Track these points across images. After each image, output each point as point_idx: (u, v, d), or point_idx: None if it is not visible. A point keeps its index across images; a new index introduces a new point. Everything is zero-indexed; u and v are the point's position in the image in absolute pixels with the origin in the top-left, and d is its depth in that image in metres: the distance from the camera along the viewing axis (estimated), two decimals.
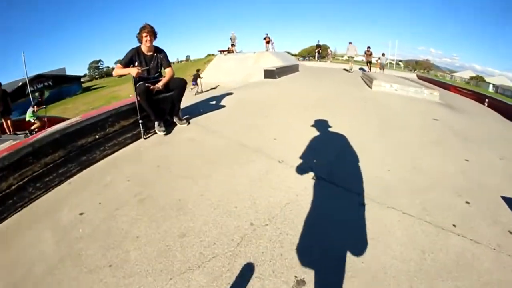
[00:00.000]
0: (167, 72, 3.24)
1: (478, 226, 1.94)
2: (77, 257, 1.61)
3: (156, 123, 3.24)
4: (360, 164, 2.69)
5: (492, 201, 2.32)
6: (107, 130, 2.75)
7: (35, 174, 2.13)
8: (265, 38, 19.25)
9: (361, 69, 16.88)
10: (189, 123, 3.60)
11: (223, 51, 20.82)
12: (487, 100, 10.13)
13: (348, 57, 15.72)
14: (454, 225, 1.93)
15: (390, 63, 28.43)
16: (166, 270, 1.49)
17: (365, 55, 15.42)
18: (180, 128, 3.49)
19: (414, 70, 41.89)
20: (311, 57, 36.23)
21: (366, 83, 9.55)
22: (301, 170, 2.50)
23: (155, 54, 3.18)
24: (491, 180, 2.75)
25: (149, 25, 3.04)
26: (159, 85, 3.12)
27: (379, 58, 18.88)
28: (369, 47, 15.11)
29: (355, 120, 4.38)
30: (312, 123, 3.71)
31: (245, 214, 1.92)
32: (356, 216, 1.94)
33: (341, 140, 3.27)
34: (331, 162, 2.71)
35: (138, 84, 3.00)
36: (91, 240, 1.75)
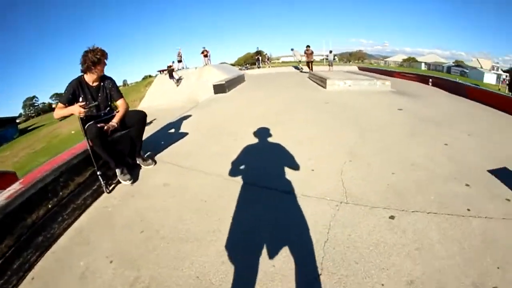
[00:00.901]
0: (119, 105, 2.96)
1: (488, 207, 2.37)
2: None
3: (118, 171, 2.90)
4: (369, 169, 3.06)
5: (483, 178, 2.89)
6: (61, 193, 2.37)
7: None
8: (202, 52, 20.33)
9: (296, 67, 20.15)
10: (155, 162, 3.38)
11: (163, 70, 21.26)
12: (430, 80, 12.09)
13: (299, 61, 19.85)
14: (469, 211, 2.33)
15: (326, 59, 31.82)
16: None
17: (305, 55, 16.50)
18: (147, 170, 3.24)
19: (349, 62, 47.29)
20: (247, 65, 38.65)
21: (318, 83, 10.52)
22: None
23: (102, 84, 2.87)
24: (472, 158, 3.42)
25: (100, 49, 2.75)
26: (114, 122, 2.81)
27: (327, 56, 22.16)
28: (308, 46, 16.19)
29: (330, 125, 4.85)
30: (289, 137, 4.05)
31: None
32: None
33: (334, 149, 3.66)
34: (340, 170, 2.99)
35: (87, 126, 2.67)
36: None
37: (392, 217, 2.26)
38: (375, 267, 1.75)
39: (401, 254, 1.86)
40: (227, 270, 1.77)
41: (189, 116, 5.93)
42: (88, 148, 2.65)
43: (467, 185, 2.79)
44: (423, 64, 67.12)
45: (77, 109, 2.56)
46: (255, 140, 4.09)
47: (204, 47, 20.59)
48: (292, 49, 18.81)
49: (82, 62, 2.70)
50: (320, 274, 1.70)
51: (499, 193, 2.62)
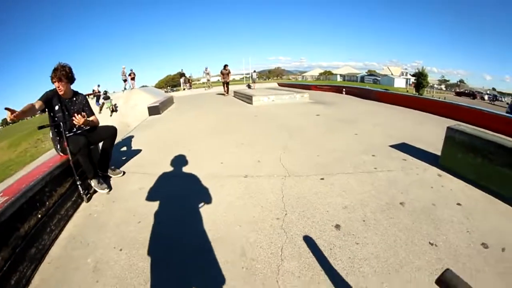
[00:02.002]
0: (92, 121, 3.45)
1: (390, 165, 3.93)
2: None
3: (95, 181, 3.40)
4: (300, 155, 4.50)
5: (385, 150, 4.53)
6: (47, 204, 2.70)
7: None
8: (130, 75, 20.70)
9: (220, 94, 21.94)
10: (124, 172, 3.99)
11: (89, 94, 21.03)
12: (344, 89, 15.02)
13: (207, 80, 21.93)
14: (376, 168, 3.81)
15: (245, 77, 36.16)
16: None
17: (221, 75, 15.83)
18: (118, 180, 3.82)
19: (269, 79, 52.29)
20: (168, 87, 39.97)
21: (244, 101, 12.27)
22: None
23: (74, 98, 3.37)
24: (377, 140, 5.09)
25: (61, 67, 3.17)
26: (89, 118, 3.31)
27: (251, 75, 26.61)
28: (226, 66, 15.46)
29: (264, 131, 6.31)
30: (233, 141, 5.43)
31: None
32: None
33: (271, 146, 5.08)
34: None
35: (72, 137, 3.16)
36: None
37: (322, 179, 3.59)
38: (320, 204, 2.96)
39: (334, 195, 3.13)
40: (222, 230, 2.67)
41: (134, 136, 6.49)
42: (70, 158, 3.10)
43: (373, 155, 4.35)
44: (338, 76, 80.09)
45: (82, 120, 3.11)
46: (206, 147, 5.17)
47: (131, 69, 21.04)
48: (206, 68, 21.08)
49: (52, 76, 3.19)
50: (286, 213, 2.81)
51: (397, 156, 4.29)
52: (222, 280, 2.00)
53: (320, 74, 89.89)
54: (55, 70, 3.15)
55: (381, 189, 3.27)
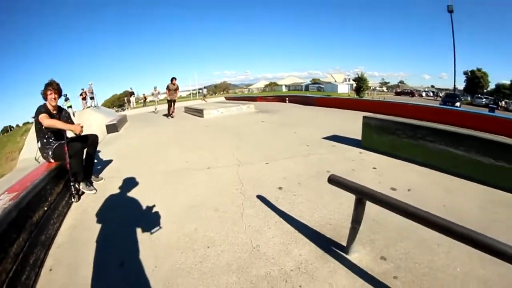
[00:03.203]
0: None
1: (321, 150, 5.30)
2: None
3: (83, 184, 4.10)
4: (249, 152, 5.78)
5: (318, 142, 5.97)
6: (50, 199, 3.33)
7: (9, 275, 2.06)
8: (81, 94, 20.47)
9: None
10: (103, 178, 4.71)
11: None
12: (287, 98, 16.76)
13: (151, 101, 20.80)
14: (309, 153, 5.06)
15: (192, 93, 37.91)
16: None
17: (167, 92, 13.88)
18: (101, 183, 4.55)
19: (215, 94, 53.93)
20: (115, 107, 39.88)
21: (195, 115, 13.48)
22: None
23: (59, 112, 4.02)
24: (312, 136, 6.55)
25: (55, 82, 3.82)
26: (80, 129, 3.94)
27: (203, 90, 30.90)
28: (174, 79, 13.64)
29: (217, 137, 7.53)
30: (194, 146, 6.78)
31: None
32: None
33: (225, 147, 6.36)
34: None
35: (70, 143, 3.84)
36: None
37: (267, 163, 4.84)
38: (266, 178, 4.18)
39: (276, 172, 4.40)
40: (193, 209, 3.68)
41: (100, 151, 6.97)
42: (68, 161, 3.77)
43: (307, 146, 5.68)
44: (283, 87, 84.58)
45: (78, 129, 3.83)
46: (170, 153, 6.16)
47: (82, 89, 20.76)
48: (155, 88, 20.07)
49: (42, 92, 3.79)
50: (242, 185, 3.96)
51: (327, 144, 5.72)
52: (204, 224, 3.04)
53: (266, 85, 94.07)
54: (51, 84, 3.80)
55: (313, 165, 4.58)
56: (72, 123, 4.19)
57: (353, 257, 2.40)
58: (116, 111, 25.77)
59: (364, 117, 5.68)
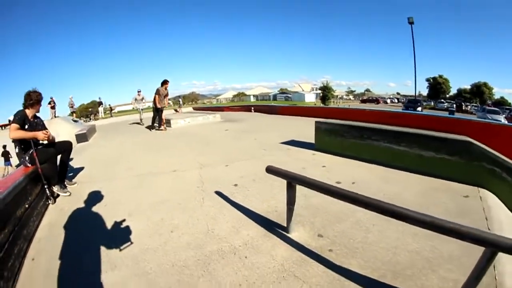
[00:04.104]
0: (54, 137, 4.35)
1: (277, 153, 5.94)
2: None
3: (58, 186, 4.36)
4: (212, 156, 6.21)
5: (275, 146, 6.64)
6: (30, 198, 3.58)
7: None
8: (49, 103, 19.55)
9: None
10: (77, 183, 4.96)
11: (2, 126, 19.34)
12: (252, 108, 17.43)
13: (135, 109, 16.74)
14: (266, 156, 5.58)
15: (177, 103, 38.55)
16: None
17: (157, 98, 11.48)
18: (74, 187, 4.81)
19: (183, 104, 54.30)
20: (82, 117, 39.10)
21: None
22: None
23: (35, 120, 4.23)
24: (271, 141, 7.21)
25: (32, 93, 4.09)
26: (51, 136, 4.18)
27: (179, 100, 31.34)
28: (166, 82, 11.66)
29: (184, 144, 8.00)
30: (163, 151, 7.24)
31: None
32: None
33: (190, 153, 6.87)
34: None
35: (43, 149, 4.09)
36: None
37: (227, 165, 5.37)
38: (224, 177, 4.71)
39: (233, 172, 4.98)
40: (168, 198, 4.12)
41: (73, 158, 7.03)
42: (39, 167, 3.98)
43: (264, 149, 6.24)
44: (252, 97, 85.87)
45: (42, 135, 3.98)
46: (140, 160, 6.50)
47: (51, 97, 19.88)
48: (139, 92, 14.99)
49: (28, 99, 4.02)
50: (203, 184, 4.47)
51: (284, 148, 6.38)
52: (168, 214, 3.50)
53: (234, 96, 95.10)
54: (31, 94, 4.08)
55: (267, 165, 5.04)
56: (45, 130, 4.34)
57: (293, 235, 2.92)
58: (84, 120, 25.22)
59: (316, 122, 6.33)
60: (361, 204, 2.16)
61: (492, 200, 3.75)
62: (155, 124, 11.91)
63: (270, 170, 3.01)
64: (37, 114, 4.38)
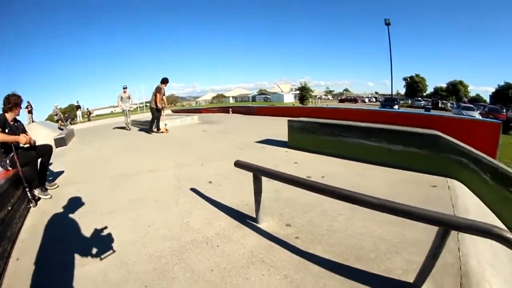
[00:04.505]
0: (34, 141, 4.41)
1: (252, 152, 6.12)
2: None
3: (39, 190, 4.40)
4: (189, 156, 6.42)
5: (251, 145, 6.96)
6: (12, 200, 3.64)
7: None
8: (27, 107, 19.09)
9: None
10: (57, 185, 5.05)
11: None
12: (230, 109, 17.69)
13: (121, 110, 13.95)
14: (241, 155, 5.82)
15: (140, 106, 37.53)
16: None
17: (157, 96, 10.84)
18: (54, 190, 4.87)
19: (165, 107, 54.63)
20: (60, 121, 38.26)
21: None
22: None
23: (15, 123, 4.27)
24: (247, 140, 7.53)
25: (12, 96, 4.13)
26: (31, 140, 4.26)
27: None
28: (166, 80, 11.02)
29: (163, 146, 8.18)
30: (142, 152, 7.53)
31: None
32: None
33: (169, 155, 7.12)
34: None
35: (24, 152, 4.14)
36: None
37: (202, 165, 5.62)
38: (201, 176, 4.94)
39: (208, 171, 5.24)
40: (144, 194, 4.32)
41: (52, 163, 6.83)
42: (20, 170, 4.02)
43: (240, 149, 6.46)
44: (231, 98, 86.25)
45: (24, 139, 4.05)
46: (119, 161, 6.65)
47: (28, 101, 19.28)
48: (124, 88, 12.81)
49: (6, 103, 4.06)
50: (179, 181, 4.71)
51: (258, 146, 6.75)
52: (145, 211, 3.71)
53: (213, 98, 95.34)
54: (10, 97, 4.12)
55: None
56: (25, 133, 4.40)
57: (262, 225, 3.19)
58: (62, 124, 24.66)
59: (289, 120, 6.64)
60: (316, 190, 2.43)
61: (460, 189, 4.04)
62: (153, 128, 11.23)
63: (238, 164, 3.30)
64: (17, 118, 4.41)
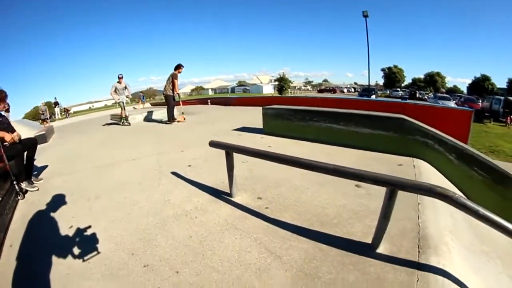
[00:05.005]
0: (15, 135, 4.44)
1: (228, 138, 6.28)
2: None
3: (26, 182, 4.54)
4: (168, 147, 6.65)
5: (228, 132, 7.43)
6: (1, 192, 3.78)
7: None
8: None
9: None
10: (42, 179, 5.18)
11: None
12: (209, 100, 17.93)
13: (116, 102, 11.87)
14: (218, 136, 6.14)
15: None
16: None
17: (174, 82, 10.56)
18: (41, 183, 5.00)
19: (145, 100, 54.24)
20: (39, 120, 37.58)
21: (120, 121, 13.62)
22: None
23: (0, 118, 4.38)
24: (224, 128, 7.91)
25: (3, 90, 4.33)
26: (16, 136, 4.36)
27: (141, 96, 34.82)
28: (181, 66, 10.71)
29: (144, 137, 8.42)
30: (124, 145, 7.82)
31: None
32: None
33: (150, 147, 7.41)
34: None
35: (11, 146, 4.22)
36: None
37: (182, 151, 5.92)
38: (181, 161, 5.26)
39: (188, 156, 5.53)
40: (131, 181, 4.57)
41: (35, 159, 7.24)
42: (6, 163, 4.13)
43: (217, 136, 6.69)
44: (210, 90, 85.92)
45: (9, 137, 4.16)
46: (102, 153, 6.73)
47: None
48: (120, 77, 11.30)
49: None
50: (161, 167, 5.00)
51: (235, 134, 7.12)
52: (130, 192, 3.96)
53: (192, 90, 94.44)
54: (1, 92, 4.29)
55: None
56: (13, 129, 4.55)
57: (236, 199, 3.54)
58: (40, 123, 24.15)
59: (263, 108, 6.97)
60: (277, 160, 2.84)
61: (425, 167, 4.43)
62: (173, 117, 10.88)
63: (212, 144, 3.65)
64: (2, 113, 4.54)
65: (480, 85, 54.55)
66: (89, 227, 3.22)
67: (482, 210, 1.80)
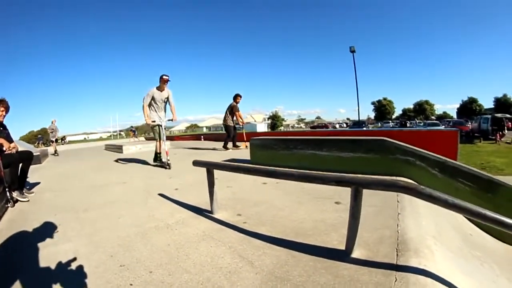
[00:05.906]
0: (13, 146, 4.62)
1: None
2: None
3: (17, 192, 4.66)
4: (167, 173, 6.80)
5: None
6: None
7: None
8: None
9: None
10: (34, 192, 5.34)
11: None
12: (202, 136, 18.42)
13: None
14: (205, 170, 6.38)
15: (113, 134, 38.19)
16: None
17: (234, 114, 11.06)
18: (32, 196, 5.16)
19: (138, 134, 54.30)
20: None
21: (115, 151, 14.22)
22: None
23: (1, 128, 4.58)
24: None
25: (6, 100, 4.48)
26: (14, 149, 4.54)
27: (134, 131, 38.71)
28: (239, 96, 11.09)
29: (133, 167, 8.76)
30: (113, 172, 8.32)
31: None
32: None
33: (140, 174, 7.47)
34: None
35: (6, 154, 4.37)
36: None
37: (170, 178, 6.13)
38: (169, 186, 5.55)
39: (176, 182, 5.83)
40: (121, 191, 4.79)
41: (28, 176, 7.23)
42: (1, 170, 4.25)
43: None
44: (204, 128, 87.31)
45: (7, 144, 4.38)
46: (93, 176, 6.97)
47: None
48: (165, 78, 7.58)
49: None
50: (149, 192, 5.24)
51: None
52: (117, 209, 4.16)
53: (187, 127, 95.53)
54: (3, 101, 4.50)
55: (205, 176, 5.36)
56: (12, 139, 4.75)
57: (217, 215, 3.65)
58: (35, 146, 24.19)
59: (251, 139, 7.23)
60: (251, 172, 3.16)
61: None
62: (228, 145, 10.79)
63: (196, 162, 3.91)
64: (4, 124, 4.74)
65: (468, 108, 56.07)
66: (74, 233, 3.38)
67: (452, 199, 1.80)
